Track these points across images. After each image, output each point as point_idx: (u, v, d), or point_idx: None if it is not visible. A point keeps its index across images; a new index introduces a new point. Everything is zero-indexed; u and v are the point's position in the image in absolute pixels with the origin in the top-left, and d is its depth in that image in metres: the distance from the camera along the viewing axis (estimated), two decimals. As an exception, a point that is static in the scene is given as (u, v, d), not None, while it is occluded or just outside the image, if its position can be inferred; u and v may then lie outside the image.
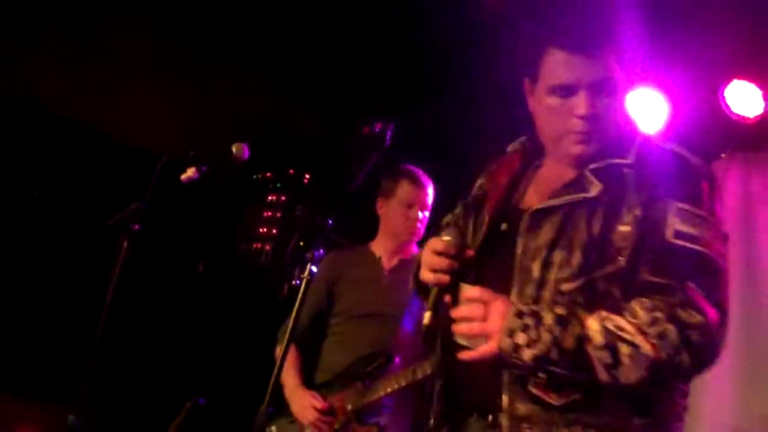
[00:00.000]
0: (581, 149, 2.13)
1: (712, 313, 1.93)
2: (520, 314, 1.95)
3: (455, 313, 2.03)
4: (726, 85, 4.53)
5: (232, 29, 4.87)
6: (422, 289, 2.30)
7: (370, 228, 4.11)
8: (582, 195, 2.08)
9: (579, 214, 2.07)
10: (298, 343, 3.92)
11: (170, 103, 5.17)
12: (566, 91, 2.10)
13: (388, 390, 3.54)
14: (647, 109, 4.61)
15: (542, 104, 2.16)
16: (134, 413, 4.90)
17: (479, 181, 2.40)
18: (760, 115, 4.49)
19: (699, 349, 1.90)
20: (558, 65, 2.10)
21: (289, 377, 3.83)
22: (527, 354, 1.93)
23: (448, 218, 2.47)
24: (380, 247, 4.01)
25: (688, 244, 1.98)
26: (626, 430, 1.98)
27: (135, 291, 3.60)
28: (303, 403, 3.72)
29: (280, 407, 3.76)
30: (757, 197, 4.79)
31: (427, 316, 2.06)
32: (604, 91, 2.09)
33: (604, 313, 1.94)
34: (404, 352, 3.57)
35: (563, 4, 2.23)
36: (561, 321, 1.93)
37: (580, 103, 2.09)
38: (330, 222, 3.02)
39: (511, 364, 1.97)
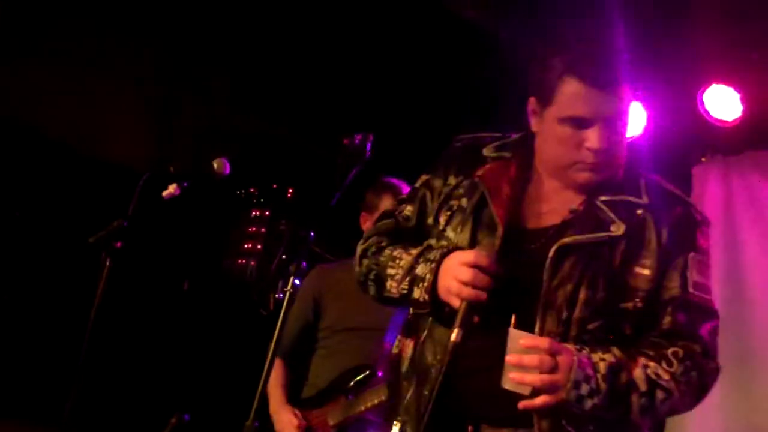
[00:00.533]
0: (588, 177, 2.15)
1: (717, 361, 2.16)
2: (582, 364, 2.01)
3: (517, 360, 1.99)
4: (704, 90, 4.57)
5: (212, 43, 4.87)
6: (419, 305, 2.23)
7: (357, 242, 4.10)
8: (607, 234, 2.12)
9: (602, 252, 2.12)
10: (286, 358, 3.91)
11: (151, 120, 5.16)
12: (581, 123, 2.10)
13: (369, 404, 3.53)
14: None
15: (552, 131, 2.15)
16: (119, 430, 4.87)
17: (453, 180, 2.31)
18: (738, 118, 4.53)
19: (707, 392, 2.15)
20: (576, 97, 2.08)
21: (274, 394, 3.83)
22: (588, 404, 2.01)
23: (407, 210, 2.40)
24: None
25: (702, 295, 2.15)
26: None
27: (119, 309, 3.58)
28: (283, 420, 3.72)
29: (266, 423, 3.74)
30: (738, 200, 4.82)
31: (456, 333, 2.03)
32: (618, 126, 2.12)
33: (644, 361, 2.07)
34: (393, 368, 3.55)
35: (582, 33, 2.22)
36: (612, 369, 2.03)
37: (594, 137, 2.09)
38: (312, 234, 3.01)
39: (567, 411, 2.04)
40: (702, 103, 4.57)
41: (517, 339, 2.01)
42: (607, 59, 2.10)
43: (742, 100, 4.50)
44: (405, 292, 2.24)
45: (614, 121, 2.10)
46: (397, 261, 2.29)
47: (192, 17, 4.79)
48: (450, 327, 2.08)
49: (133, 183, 3.40)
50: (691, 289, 2.13)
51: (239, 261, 5.57)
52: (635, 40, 4.27)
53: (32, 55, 4.81)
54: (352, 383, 3.63)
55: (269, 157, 5.54)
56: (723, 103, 4.55)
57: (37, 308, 4.82)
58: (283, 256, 3.03)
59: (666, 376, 2.06)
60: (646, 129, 4.65)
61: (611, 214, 2.13)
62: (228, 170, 3.51)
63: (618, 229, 2.12)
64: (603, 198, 2.15)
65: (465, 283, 2.06)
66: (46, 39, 4.80)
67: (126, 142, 5.13)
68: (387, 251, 2.34)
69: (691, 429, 4.60)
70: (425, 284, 2.17)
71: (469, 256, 2.10)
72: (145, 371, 5.15)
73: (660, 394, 2.05)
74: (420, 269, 2.20)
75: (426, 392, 2.19)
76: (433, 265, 2.17)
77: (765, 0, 4.18)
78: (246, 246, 5.61)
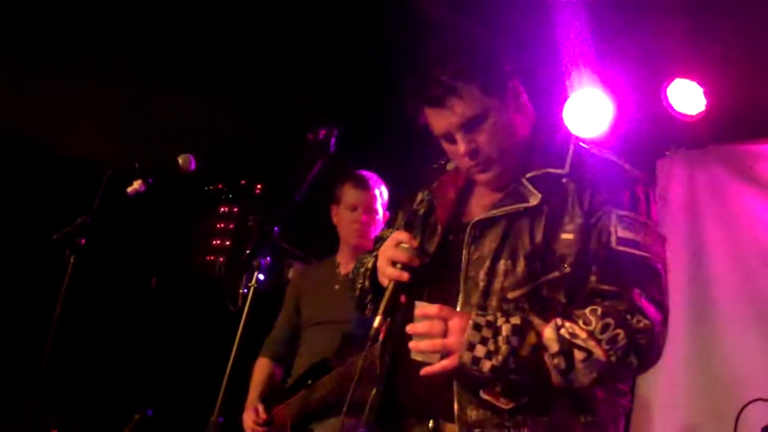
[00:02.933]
0: (483, 177, 2.22)
1: (657, 316, 2.04)
2: (478, 327, 2.00)
3: (412, 329, 2.05)
4: (668, 84, 4.59)
5: (176, 40, 4.85)
6: (366, 293, 2.34)
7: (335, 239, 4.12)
8: (523, 205, 2.15)
9: (521, 224, 2.14)
10: (273, 358, 3.96)
11: (115, 116, 5.13)
12: (447, 138, 2.20)
13: (325, 391, 3.55)
14: (592, 110, 4.67)
15: (444, 148, 2.26)
16: (84, 426, 4.85)
17: (420, 196, 2.42)
18: (702, 112, 4.56)
19: (646, 352, 2.03)
20: (432, 120, 2.20)
21: (250, 392, 3.88)
22: (486, 365, 1.98)
23: (387, 232, 2.49)
24: (341, 255, 4.03)
25: (631, 250, 2.09)
26: (572, 429, 2.07)
27: (84, 305, 3.57)
28: (246, 414, 3.76)
29: (231, 419, 3.76)
30: (702, 193, 4.86)
31: (377, 320, 2.11)
32: (475, 125, 2.15)
33: (558, 321, 2.02)
34: (348, 356, 3.56)
35: (429, 54, 2.25)
36: (517, 331, 2.00)
37: (460, 145, 2.17)
38: (276, 229, 3.02)
39: (470, 375, 2.02)
40: (666, 97, 4.59)
41: (416, 309, 2.08)
42: (436, 75, 2.13)
43: (706, 94, 4.53)
44: (360, 285, 2.38)
45: (470, 124, 2.14)
46: (363, 263, 2.41)
47: (158, 13, 4.77)
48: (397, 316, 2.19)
49: (97, 179, 3.38)
50: (614, 245, 2.08)
51: (208, 257, 5.56)
52: (600, 36, 4.34)
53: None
54: (310, 378, 3.65)
55: (237, 154, 5.53)
56: (687, 97, 4.57)
57: (1, 306, 4.78)
58: (248, 252, 3.05)
59: (583, 335, 1.99)
60: (611, 123, 4.69)
61: (531, 188, 2.17)
62: (193, 166, 3.50)
63: (534, 200, 2.14)
64: (528, 175, 2.20)
65: (389, 260, 2.16)
66: (11, 35, 4.76)
67: (90, 139, 5.10)
68: (361, 259, 2.47)
69: (654, 419, 4.66)
70: (368, 272, 2.33)
71: (393, 235, 2.22)
72: (110, 367, 5.13)
73: (578, 355, 1.98)
74: (370, 263, 2.34)
75: (374, 388, 2.28)
76: (376, 253, 2.29)
77: (728, -4, 4.22)
78: (215, 242, 5.60)
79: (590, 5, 4.22)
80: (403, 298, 2.17)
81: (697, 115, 4.58)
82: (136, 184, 3.46)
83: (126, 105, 5.11)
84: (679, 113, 4.60)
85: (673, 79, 4.58)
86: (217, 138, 5.30)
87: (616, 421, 2.16)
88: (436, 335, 2.01)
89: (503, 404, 2.04)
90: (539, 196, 2.14)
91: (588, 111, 4.66)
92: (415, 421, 2.18)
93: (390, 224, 2.56)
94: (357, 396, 2.25)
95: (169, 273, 5.55)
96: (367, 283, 2.34)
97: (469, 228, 2.17)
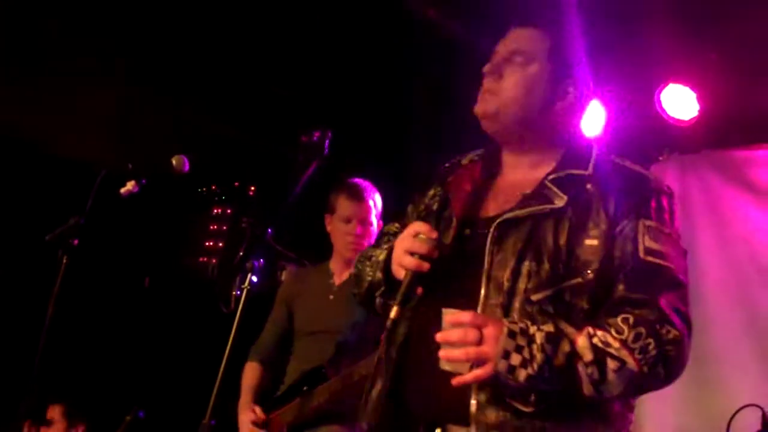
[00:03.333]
0: (479, 109, 2.24)
1: (683, 327, 2.02)
2: (512, 335, 1.96)
3: (444, 337, 1.99)
4: (662, 89, 4.61)
5: (171, 41, 4.84)
6: (377, 285, 2.28)
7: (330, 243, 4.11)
8: (548, 206, 2.12)
9: (545, 225, 2.11)
10: (262, 362, 3.94)
11: (109, 116, 5.12)
12: (494, 51, 2.30)
13: (321, 399, 3.54)
14: (586, 114, 4.67)
15: None
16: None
17: (432, 191, 2.39)
18: (695, 117, 4.58)
19: (673, 363, 2.00)
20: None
21: (243, 395, 3.86)
22: (522, 374, 1.95)
23: (393, 227, 2.46)
24: (334, 263, 4.01)
25: (657, 261, 2.07)
26: None
27: (76, 306, 3.56)
28: (242, 417, 3.73)
29: (223, 421, 3.75)
30: (694, 197, 4.88)
31: (394, 310, 2.06)
32: (514, 59, 2.25)
33: (591, 330, 1.99)
34: (343, 365, 3.56)
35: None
36: (551, 338, 1.97)
37: (488, 65, 2.28)
38: (269, 231, 3.01)
39: (504, 384, 1.98)
40: (659, 102, 4.61)
41: (446, 316, 2.01)
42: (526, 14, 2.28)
43: (699, 99, 4.55)
44: (370, 278, 2.31)
45: (513, 56, 2.23)
46: (371, 258, 2.35)
47: (154, 14, 4.76)
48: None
49: (91, 180, 3.37)
50: (642, 255, 2.06)
51: (201, 259, 5.56)
52: (593, 40, 4.34)
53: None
54: (305, 385, 3.64)
55: (231, 156, 5.52)
56: (680, 102, 4.59)
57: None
58: (242, 253, 3.03)
59: (616, 344, 1.96)
60: (604, 127, 4.70)
61: (556, 190, 2.15)
62: (187, 167, 3.49)
63: (560, 201, 2.12)
64: (551, 177, 2.19)
65: (407, 251, 2.11)
66: (7, 36, 4.75)
67: (84, 139, 5.09)
68: (367, 253, 2.41)
69: (647, 424, 4.66)
70: (380, 264, 2.26)
71: (412, 225, 2.18)
72: (102, 369, 5.12)
73: (611, 364, 1.95)
74: (382, 255, 2.28)
75: (380, 385, 2.22)
76: (389, 245, 2.25)
77: (722, 3, 4.23)
78: (207, 244, 5.60)
79: (583, 10, 4.22)
80: (419, 290, 2.13)
81: (690, 120, 4.60)
82: (130, 185, 3.44)
83: (120, 106, 5.09)
84: (673, 118, 4.61)
85: (666, 84, 4.60)
86: (210, 140, 5.29)
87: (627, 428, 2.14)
88: (471, 343, 1.96)
89: (524, 407, 2.01)
90: (565, 198, 2.12)
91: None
92: (423, 429, 2.13)
93: (397, 219, 2.50)
94: (355, 406, 2.24)
95: (161, 274, 5.54)
96: (379, 274, 2.26)
97: (493, 228, 2.13)
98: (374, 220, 3.89)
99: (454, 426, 2.08)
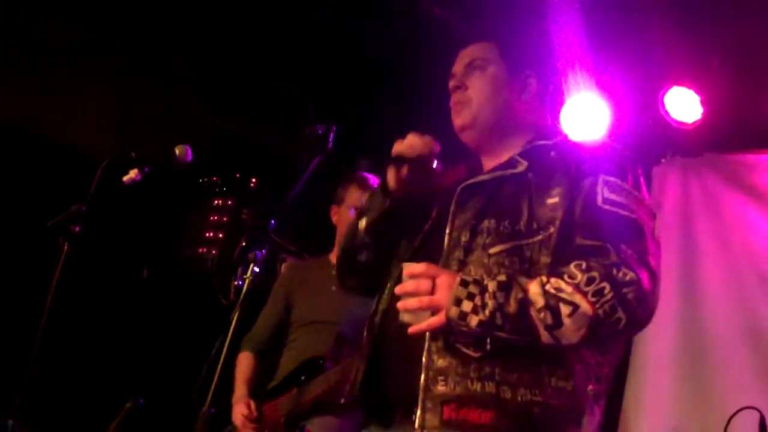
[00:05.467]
0: (457, 121, 2.38)
1: (644, 274, 2.01)
2: (464, 283, 2.01)
3: (400, 288, 2.06)
4: (666, 92, 4.61)
5: (175, 32, 4.84)
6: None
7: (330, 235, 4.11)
8: (509, 171, 2.24)
9: (507, 188, 2.21)
10: (257, 353, 3.94)
11: (112, 105, 5.12)
12: (452, 72, 2.48)
13: (314, 394, 3.54)
14: (589, 115, 4.68)
15: None
16: (74, 415, 4.83)
17: None
18: (698, 120, 4.58)
19: (634, 307, 1.98)
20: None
21: (237, 386, 3.85)
22: (474, 320, 1.98)
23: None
24: (335, 256, 4.01)
25: (617, 209, 2.11)
26: (540, 388, 2.03)
27: (76, 293, 3.55)
28: (236, 412, 3.74)
29: (223, 410, 3.75)
30: (695, 200, 4.88)
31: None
32: (473, 66, 2.40)
33: (544, 278, 2.01)
34: (342, 357, 3.56)
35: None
36: (503, 286, 2.00)
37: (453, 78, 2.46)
38: (272, 223, 3.01)
39: (458, 332, 2.02)
40: (663, 104, 4.61)
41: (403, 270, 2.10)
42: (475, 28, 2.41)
43: (702, 102, 4.55)
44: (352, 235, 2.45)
45: (472, 64, 2.40)
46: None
47: (158, 5, 4.76)
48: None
49: (94, 168, 3.37)
50: (599, 203, 2.11)
51: (200, 249, 5.55)
52: (599, 43, 4.35)
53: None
54: (302, 375, 3.64)
55: (232, 147, 5.52)
56: (683, 105, 4.59)
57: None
58: (243, 244, 3.03)
59: (569, 289, 1.97)
60: (608, 129, 4.70)
61: (519, 158, 2.27)
62: (190, 157, 3.49)
63: (521, 167, 2.23)
64: (519, 151, 2.30)
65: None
66: (9, 27, 4.74)
67: (88, 128, 5.09)
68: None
69: (642, 424, 4.67)
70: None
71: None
72: (102, 356, 5.11)
73: (564, 309, 1.95)
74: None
75: (362, 364, 2.30)
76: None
77: (727, 7, 4.23)
78: (207, 234, 5.59)
79: (589, 11, 4.23)
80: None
81: (693, 123, 4.60)
82: (132, 173, 3.44)
83: (124, 95, 5.09)
84: (676, 121, 4.62)
85: (670, 87, 4.60)
86: (212, 131, 5.29)
87: (590, 401, 2.09)
88: (424, 293, 2.03)
89: (471, 352, 2.04)
90: (525, 163, 2.23)
91: (585, 116, 4.68)
92: (402, 413, 2.17)
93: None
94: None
95: (161, 264, 5.53)
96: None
97: (457, 191, 2.25)
98: None
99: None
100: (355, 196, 3.89)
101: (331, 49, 4.90)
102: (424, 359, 2.07)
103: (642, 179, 2.21)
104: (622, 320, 1.97)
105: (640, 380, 4.67)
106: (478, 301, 1.99)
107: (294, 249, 4.78)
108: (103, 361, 5.10)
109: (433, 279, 2.03)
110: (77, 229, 3.27)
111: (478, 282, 2.02)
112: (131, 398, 3.19)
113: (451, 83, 2.41)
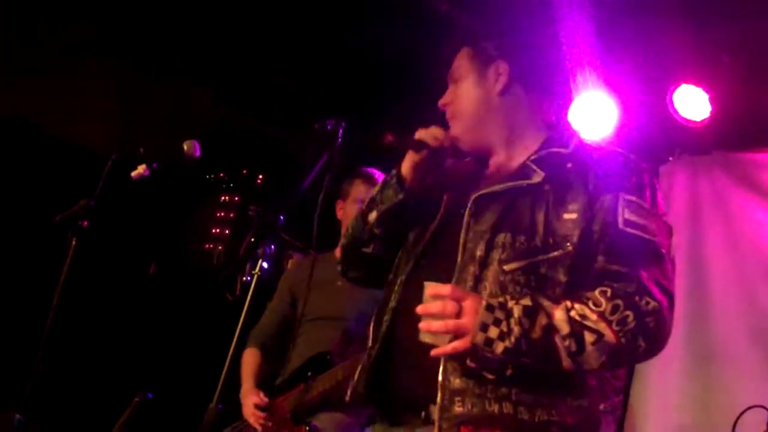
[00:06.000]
0: (453, 132, 2.37)
1: (664, 300, 2.02)
2: (491, 308, 1.99)
3: (424, 309, 2.02)
4: (674, 90, 4.60)
5: (183, 27, 4.84)
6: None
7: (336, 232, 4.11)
8: (525, 182, 2.19)
9: (522, 200, 2.17)
10: (263, 348, 3.95)
11: (119, 101, 5.12)
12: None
13: (321, 389, 3.54)
14: (597, 113, 4.67)
15: None
16: (82, 410, 4.84)
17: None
18: (707, 118, 4.57)
19: (654, 335, 2.00)
20: None
21: (245, 380, 3.86)
22: (500, 347, 1.97)
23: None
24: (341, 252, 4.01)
25: (638, 233, 2.08)
26: (557, 409, 2.03)
27: (84, 288, 3.55)
28: (247, 401, 3.74)
29: (230, 405, 3.75)
30: (704, 199, 4.87)
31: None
32: (454, 80, 2.41)
33: (569, 303, 2.00)
34: (349, 353, 3.56)
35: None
36: (529, 312, 1.98)
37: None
38: (281, 218, 3.01)
39: (482, 357, 2.00)
40: (671, 102, 4.60)
41: (426, 289, 2.05)
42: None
43: (711, 100, 4.54)
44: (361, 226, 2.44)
45: (454, 76, 2.41)
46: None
47: (164, 2, 4.76)
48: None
49: (101, 164, 3.36)
50: (621, 226, 2.08)
51: (207, 245, 5.55)
52: (607, 40, 4.34)
53: (4, 37, 4.76)
54: (309, 371, 3.65)
55: (240, 143, 5.51)
56: (692, 103, 4.58)
57: (1, 287, 4.77)
58: (252, 240, 3.03)
59: (593, 317, 1.97)
60: (616, 127, 4.69)
61: (535, 167, 2.22)
62: (198, 153, 3.48)
63: (537, 177, 2.19)
64: (533, 157, 2.26)
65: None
66: (17, 21, 4.74)
67: (95, 124, 5.09)
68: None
69: (649, 422, 4.66)
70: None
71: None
72: (110, 351, 5.12)
73: (588, 336, 1.96)
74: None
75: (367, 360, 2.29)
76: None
77: (735, 4, 4.22)
78: (214, 230, 5.59)
79: (597, 8, 4.22)
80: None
81: (701, 121, 4.59)
82: (141, 169, 3.44)
83: (132, 91, 5.09)
84: (684, 119, 4.60)
85: (679, 85, 4.59)
86: (220, 127, 5.29)
87: (606, 414, 2.15)
88: (449, 316, 1.99)
89: (487, 373, 2.03)
90: (542, 174, 2.19)
91: (593, 113, 4.67)
92: (411, 415, 2.17)
93: None
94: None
95: (167, 259, 5.53)
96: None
97: (471, 202, 2.20)
98: None
99: (433, 406, 2.10)
100: (360, 191, 3.90)
101: (338, 45, 4.90)
102: (440, 378, 2.06)
103: (658, 191, 2.20)
104: (641, 347, 2.00)
105: (647, 378, 4.66)
106: (504, 327, 1.97)
107: (300, 246, 4.78)
108: (111, 356, 5.10)
109: (459, 302, 2.00)
110: (85, 224, 3.27)
111: (503, 306, 1.99)
112: (139, 393, 3.20)
113: (441, 102, 2.43)
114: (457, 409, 2.04)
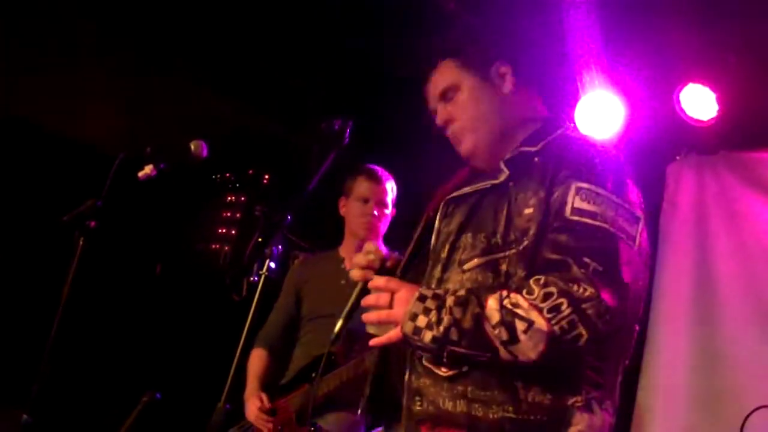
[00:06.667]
0: (462, 149, 2.32)
1: (606, 289, 1.94)
2: (422, 298, 2.01)
3: (365, 301, 2.11)
4: (681, 89, 4.59)
5: (190, 27, 4.84)
6: None
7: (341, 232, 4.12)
8: (490, 182, 2.20)
9: (488, 201, 2.18)
10: (269, 348, 3.96)
11: (128, 101, 5.13)
12: (432, 112, 2.37)
13: (326, 390, 3.54)
14: (604, 112, 4.66)
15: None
16: (89, 409, 4.84)
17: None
18: (714, 118, 4.56)
19: (594, 322, 1.92)
20: (427, 98, 2.38)
21: (250, 381, 3.87)
22: (427, 336, 1.98)
23: None
24: (345, 249, 4.02)
25: (586, 220, 2.01)
26: (514, 404, 2.00)
27: (91, 288, 3.55)
28: (249, 404, 3.74)
29: (238, 406, 3.76)
30: (710, 198, 4.86)
31: (339, 324, 2.22)
32: (450, 96, 2.31)
33: (504, 293, 1.97)
34: (354, 353, 3.56)
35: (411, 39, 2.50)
36: (461, 302, 1.98)
37: (438, 117, 2.35)
38: (288, 218, 3.01)
39: (414, 347, 2.04)
40: (678, 101, 4.59)
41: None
42: (418, 53, 2.38)
43: (718, 100, 4.52)
44: None
45: (445, 95, 2.32)
46: None
47: (169, 1, 4.77)
48: None
49: (109, 163, 3.37)
50: (568, 215, 2.02)
51: (213, 245, 5.56)
52: (614, 39, 4.33)
53: (7, 37, 4.77)
54: (313, 371, 3.65)
55: (246, 143, 5.52)
56: (699, 102, 4.56)
57: (9, 286, 4.78)
58: (259, 240, 3.03)
59: (525, 304, 1.93)
60: (623, 126, 4.68)
61: (503, 167, 2.21)
62: (205, 153, 3.49)
63: (502, 176, 2.18)
64: (507, 156, 2.24)
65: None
66: (22, 22, 4.75)
67: (104, 123, 5.10)
68: None
69: (656, 423, 4.65)
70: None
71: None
72: (117, 351, 5.13)
73: (519, 325, 1.91)
74: None
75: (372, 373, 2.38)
76: None
77: (743, 3, 4.21)
78: (220, 231, 5.60)
79: (603, 7, 4.22)
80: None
81: (708, 120, 4.57)
82: (148, 169, 3.44)
83: (138, 90, 5.10)
84: (691, 118, 4.59)
85: (686, 84, 4.58)
86: (226, 127, 5.29)
87: (582, 411, 2.02)
88: (383, 306, 2.05)
89: (441, 372, 2.05)
90: (506, 173, 2.18)
91: (600, 113, 4.66)
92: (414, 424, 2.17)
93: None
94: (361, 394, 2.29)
95: (174, 260, 5.54)
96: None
97: (441, 205, 2.25)
98: (390, 204, 3.91)
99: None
100: (363, 187, 3.90)
101: (344, 45, 4.90)
102: (405, 379, 2.11)
103: (630, 181, 2.12)
104: (582, 336, 1.91)
105: (655, 379, 4.66)
106: (433, 316, 1.98)
107: (306, 246, 4.78)
108: (118, 356, 5.11)
109: (393, 293, 2.06)
110: (92, 224, 3.27)
111: (437, 296, 2.01)
112: (147, 392, 3.20)
113: (438, 122, 2.35)
114: (417, 408, 2.08)
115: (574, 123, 2.65)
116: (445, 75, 2.31)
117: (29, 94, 5.04)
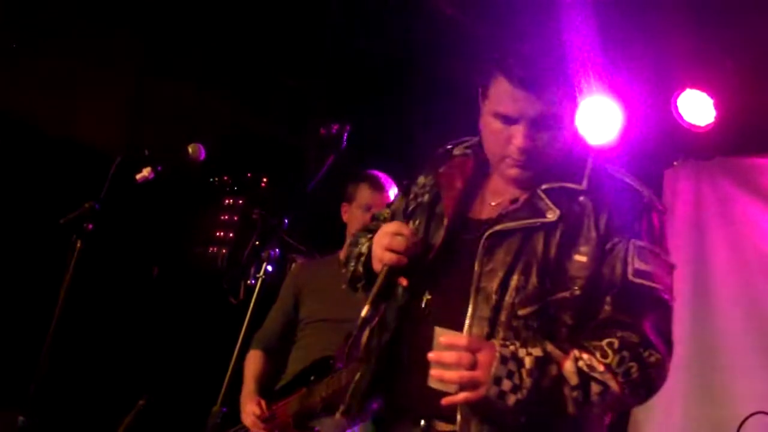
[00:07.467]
0: (516, 173, 2.18)
1: (664, 349, 2.08)
2: (504, 360, 1.99)
3: (438, 358, 2.02)
4: (679, 94, 4.59)
5: (188, 30, 4.85)
6: (358, 279, 2.36)
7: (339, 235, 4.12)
8: (540, 220, 2.13)
9: (536, 238, 2.12)
10: (266, 351, 3.95)
11: (128, 104, 5.13)
12: (507, 119, 2.14)
13: (324, 394, 3.54)
14: (602, 118, 4.67)
15: (487, 124, 2.19)
16: (85, 412, 4.84)
17: (422, 180, 2.38)
18: (711, 123, 4.57)
19: (655, 385, 2.08)
20: (503, 95, 2.13)
21: (246, 384, 3.86)
22: (511, 399, 1.98)
23: (385, 212, 2.51)
24: (345, 254, 4.01)
25: (645, 282, 2.09)
26: None
27: (88, 290, 3.56)
28: (246, 409, 3.74)
29: (234, 409, 3.76)
30: (707, 204, 4.87)
31: (366, 309, 2.12)
32: (545, 125, 2.13)
33: (577, 353, 2.02)
34: (352, 357, 3.56)
35: (521, 29, 2.26)
36: (539, 363, 2.01)
37: (518, 135, 2.12)
38: (285, 221, 3.02)
39: (494, 409, 2.01)
40: (676, 107, 4.60)
41: (440, 337, 2.04)
42: (537, 60, 2.11)
43: (716, 105, 4.53)
44: (352, 269, 2.38)
45: (542, 121, 2.12)
46: (358, 245, 2.39)
47: (169, 2, 4.77)
48: (393, 304, 2.22)
49: (107, 166, 3.37)
50: (630, 276, 2.08)
51: (210, 249, 5.55)
52: (611, 44, 4.34)
53: (5, 39, 4.77)
54: (312, 375, 3.65)
55: (244, 147, 5.52)
56: (696, 108, 4.57)
57: (6, 287, 4.77)
58: (256, 243, 3.04)
59: (600, 368, 2.01)
60: (620, 132, 4.68)
61: (548, 202, 2.15)
62: (203, 156, 3.50)
63: (552, 215, 2.12)
64: (544, 187, 2.17)
65: (385, 248, 2.14)
66: (20, 23, 4.75)
67: (102, 125, 5.09)
68: (356, 239, 2.44)
69: (653, 427, 4.66)
70: (362, 258, 2.32)
71: (392, 224, 2.22)
72: (114, 353, 5.12)
73: (595, 388, 2.01)
74: (364, 247, 2.34)
75: (363, 375, 2.31)
76: (371, 237, 2.29)
77: (740, 8, 4.22)
78: (218, 234, 5.59)
79: (601, 13, 4.23)
80: (403, 281, 2.17)
81: (706, 126, 4.58)
82: (145, 171, 3.45)
83: (137, 93, 5.10)
84: (689, 124, 4.60)
85: (683, 90, 4.59)
86: (224, 131, 5.30)
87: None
88: (464, 367, 1.99)
89: (507, 420, 2.04)
90: (557, 212, 2.12)
91: (597, 118, 4.66)
92: (410, 423, 2.17)
93: (391, 203, 2.55)
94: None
95: (171, 262, 5.53)
96: (360, 268, 2.34)
97: (483, 239, 2.13)
98: None
99: (439, 422, 2.12)
100: (365, 195, 3.91)
101: (344, 48, 4.90)
102: (458, 422, 2.07)
103: (666, 223, 2.21)
104: (641, 396, 2.08)
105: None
106: (516, 379, 1.98)
107: (304, 249, 4.79)
108: (115, 359, 5.11)
109: (474, 353, 2.00)
110: (90, 226, 3.28)
111: (515, 356, 2.00)
112: (144, 396, 3.20)
113: (520, 144, 2.13)
114: None
115: (597, 148, 2.58)
116: (552, 101, 2.14)
117: (32, 95, 5.04)
